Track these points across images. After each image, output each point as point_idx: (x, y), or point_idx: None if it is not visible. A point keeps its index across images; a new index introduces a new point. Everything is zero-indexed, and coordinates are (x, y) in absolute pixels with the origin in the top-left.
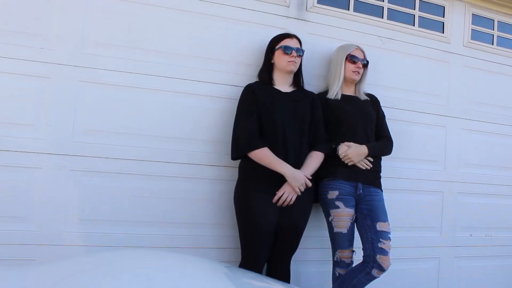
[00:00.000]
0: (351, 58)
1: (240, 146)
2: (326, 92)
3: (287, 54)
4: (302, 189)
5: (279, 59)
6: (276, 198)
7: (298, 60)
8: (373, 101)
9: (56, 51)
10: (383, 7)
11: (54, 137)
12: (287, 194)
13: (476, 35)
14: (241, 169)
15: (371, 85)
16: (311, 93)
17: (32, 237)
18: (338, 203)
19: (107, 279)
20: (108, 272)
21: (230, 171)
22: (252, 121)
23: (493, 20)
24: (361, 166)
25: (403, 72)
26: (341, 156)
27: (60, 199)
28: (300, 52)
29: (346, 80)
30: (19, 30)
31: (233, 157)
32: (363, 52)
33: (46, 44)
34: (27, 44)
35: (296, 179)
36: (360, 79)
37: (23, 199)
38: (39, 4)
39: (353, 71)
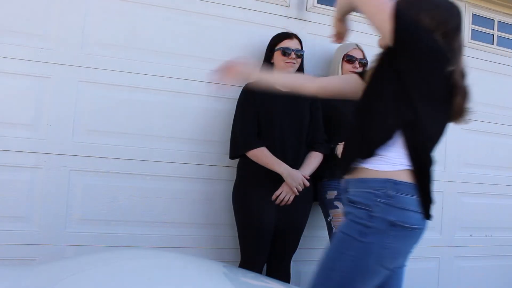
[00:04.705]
0: (348, 58)
1: (238, 146)
2: None
3: (286, 55)
4: (300, 189)
5: (278, 60)
6: (273, 197)
7: (298, 61)
8: None
9: (56, 51)
10: None
11: (54, 137)
12: (284, 194)
13: (476, 35)
14: (239, 168)
15: None
16: None
17: (32, 237)
18: (337, 203)
19: (107, 279)
20: (108, 272)
21: (229, 171)
22: (250, 120)
23: (493, 20)
24: None
25: None
26: (339, 156)
27: (60, 199)
28: (300, 52)
29: None
30: (19, 30)
31: (231, 157)
32: (362, 51)
33: (46, 44)
34: (27, 44)
35: (293, 178)
36: None
37: (23, 199)
38: (39, 4)
39: (350, 71)
